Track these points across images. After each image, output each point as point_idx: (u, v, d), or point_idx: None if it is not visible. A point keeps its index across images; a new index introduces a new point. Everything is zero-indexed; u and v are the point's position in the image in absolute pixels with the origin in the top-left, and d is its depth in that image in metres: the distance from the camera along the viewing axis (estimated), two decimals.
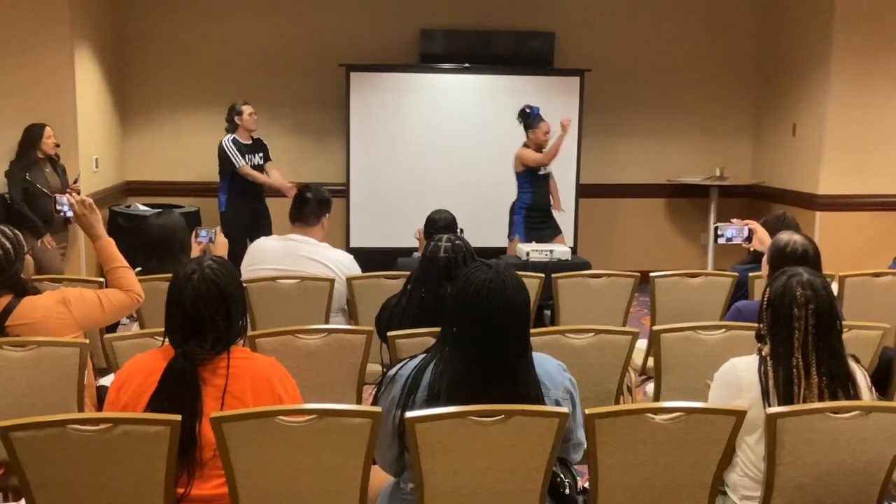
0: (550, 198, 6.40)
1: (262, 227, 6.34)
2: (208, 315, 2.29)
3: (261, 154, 6.63)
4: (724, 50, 7.84)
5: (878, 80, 6.88)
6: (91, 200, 3.23)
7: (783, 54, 7.53)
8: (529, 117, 6.24)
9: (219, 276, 2.33)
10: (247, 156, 6.49)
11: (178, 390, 2.24)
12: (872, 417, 2.34)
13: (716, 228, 4.34)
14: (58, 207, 3.56)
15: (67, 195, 3.34)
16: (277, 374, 2.37)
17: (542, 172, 6.28)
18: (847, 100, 6.88)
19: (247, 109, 6.51)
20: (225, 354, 2.31)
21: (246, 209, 6.55)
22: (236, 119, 6.50)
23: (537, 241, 6.00)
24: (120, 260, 3.15)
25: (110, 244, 3.18)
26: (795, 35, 7.35)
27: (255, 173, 6.46)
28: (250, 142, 6.57)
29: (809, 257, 3.24)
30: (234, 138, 6.49)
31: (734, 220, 4.42)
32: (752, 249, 4.10)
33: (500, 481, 2.22)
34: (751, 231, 3.91)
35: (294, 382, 2.42)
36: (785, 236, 3.32)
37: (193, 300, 2.29)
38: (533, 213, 6.32)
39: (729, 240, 4.01)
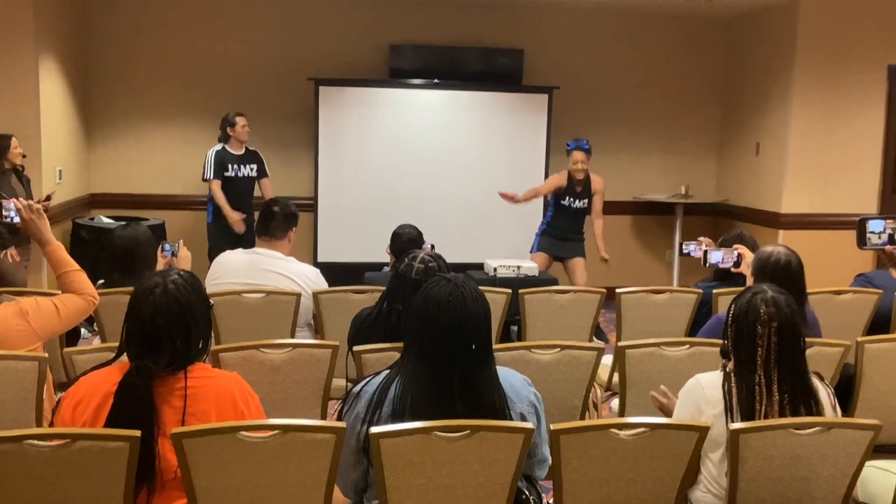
0: (579, 227, 6.47)
1: (246, 242, 6.27)
2: (166, 331, 2.23)
3: (252, 166, 6.62)
4: (690, 70, 7.95)
5: (840, 102, 7.01)
6: (39, 206, 3.17)
7: (747, 75, 7.64)
8: (568, 147, 6.42)
9: (182, 292, 2.27)
10: (232, 166, 6.47)
11: (132, 406, 2.18)
12: (833, 433, 2.36)
13: (681, 245, 4.41)
14: (4, 213, 3.47)
15: (14, 200, 3.26)
16: (240, 390, 2.33)
17: (564, 203, 6.34)
18: (809, 120, 7.00)
19: (240, 121, 6.51)
20: (181, 374, 2.24)
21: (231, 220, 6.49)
22: (228, 130, 6.51)
23: (555, 252, 6.24)
24: (71, 264, 3.09)
25: (60, 248, 3.11)
26: (759, 56, 7.46)
27: (219, 195, 6.42)
28: (241, 152, 6.56)
29: (793, 267, 3.29)
30: (223, 148, 6.49)
31: (701, 238, 4.47)
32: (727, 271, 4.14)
33: (465, 497, 2.21)
34: (739, 256, 3.96)
35: (257, 398, 2.38)
36: (768, 248, 3.39)
37: (152, 315, 2.23)
38: (551, 231, 6.43)
39: (713, 264, 4.06)
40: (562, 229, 6.40)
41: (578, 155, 6.25)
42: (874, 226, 4.26)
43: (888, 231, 4.26)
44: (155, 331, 2.23)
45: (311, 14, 7.40)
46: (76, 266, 3.10)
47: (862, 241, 4.29)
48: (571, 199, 6.35)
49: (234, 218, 6.43)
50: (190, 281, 2.33)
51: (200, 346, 2.34)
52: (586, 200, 6.37)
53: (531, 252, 6.47)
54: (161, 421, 2.20)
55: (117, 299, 3.68)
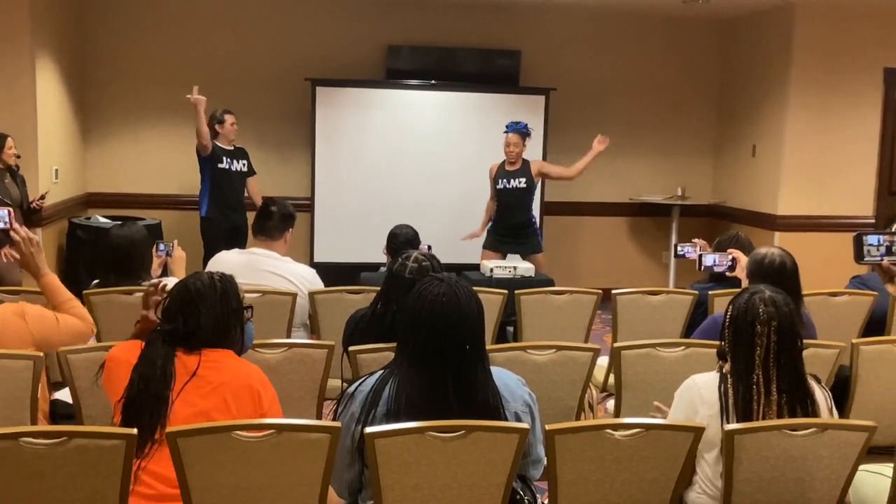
0: (524, 214, 6.29)
1: (239, 241, 6.25)
2: (179, 311, 2.49)
3: (244, 161, 6.57)
4: (686, 72, 7.96)
5: (836, 104, 7.02)
6: (38, 238, 3.20)
7: (743, 77, 7.65)
8: (506, 129, 6.29)
9: (198, 286, 2.52)
10: (225, 159, 6.43)
11: (153, 358, 2.39)
12: (828, 435, 2.36)
13: (676, 247, 4.42)
14: None
15: (17, 228, 3.24)
16: (259, 376, 2.49)
17: (500, 187, 6.22)
18: (805, 122, 7.01)
19: (229, 119, 6.46)
20: (199, 353, 2.44)
21: (226, 219, 6.46)
22: (217, 127, 6.43)
23: (505, 249, 6.03)
24: (66, 293, 3.17)
25: (54, 278, 3.20)
26: (755, 58, 7.48)
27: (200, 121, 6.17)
28: (231, 148, 6.52)
29: (787, 268, 3.30)
30: (213, 142, 6.43)
31: (695, 240, 4.48)
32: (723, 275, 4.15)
33: (460, 498, 2.21)
34: (734, 259, 3.96)
35: (275, 392, 2.50)
36: (763, 249, 3.41)
37: (175, 296, 2.53)
38: (497, 229, 6.32)
39: (708, 267, 4.07)
40: (506, 219, 6.24)
41: (509, 137, 6.15)
42: (871, 240, 4.27)
43: (885, 244, 4.26)
44: (177, 310, 2.50)
45: (308, 14, 7.40)
46: (70, 295, 3.18)
47: (860, 256, 4.28)
48: (505, 181, 6.19)
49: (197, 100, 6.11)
50: (221, 278, 2.57)
51: (217, 333, 2.50)
52: (523, 180, 6.18)
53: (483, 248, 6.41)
54: (177, 380, 2.37)
55: (113, 299, 3.68)
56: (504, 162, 6.24)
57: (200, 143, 6.27)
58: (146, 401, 2.32)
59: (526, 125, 6.23)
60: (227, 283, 2.59)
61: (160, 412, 2.32)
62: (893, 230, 4.69)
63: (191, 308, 2.48)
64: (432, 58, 7.43)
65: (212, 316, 2.49)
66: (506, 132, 6.23)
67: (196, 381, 2.38)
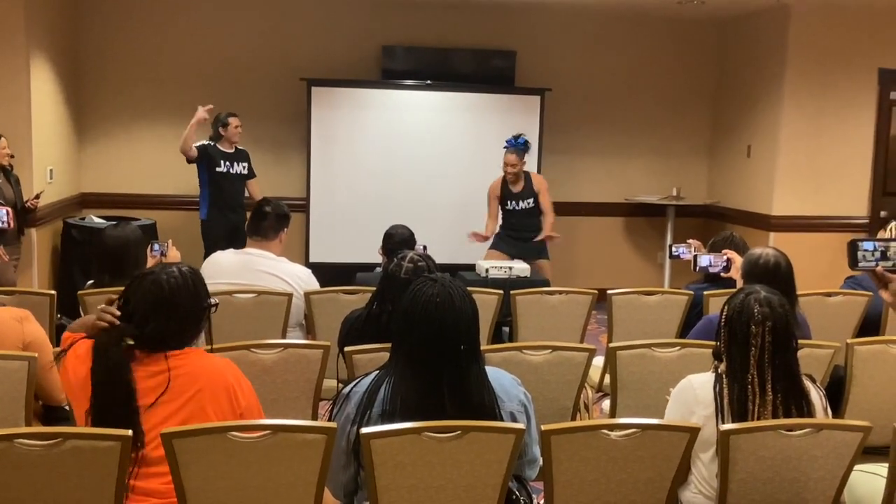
0: (532, 225, 6.27)
1: (239, 242, 6.25)
2: (151, 313, 2.33)
3: (244, 164, 6.60)
4: (681, 72, 7.97)
5: (831, 105, 7.03)
6: None
7: (738, 77, 7.66)
8: (505, 146, 6.30)
9: (172, 283, 2.36)
10: (224, 162, 6.45)
11: (107, 370, 2.24)
12: (823, 435, 2.37)
13: (670, 247, 4.42)
14: None
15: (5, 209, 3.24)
16: (233, 372, 2.40)
17: (508, 207, 6.25)
18: (800, 123, 7.02)
19: (233, 122, 6.49)
20: (163, 356, 2.31)
21: (226, 220, 6.48)
22: (220, 130, 6.48)
23: (512, 252, 6.03)
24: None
25: None
26: (750, 58, 7.49)
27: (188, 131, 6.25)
28: (232, 151, 6.54)
29: (781, 269, 3.31)
30: (213, 145, 6.46)
31: (690, 241, 4.48)
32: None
33: (456, 498, 2.21)
34: (729, 260, 3.96)
35: (249, 384, 2.43)
36: (757, 250, 3.41)
37: (142, 294, 2.36)
38: (505, 232, 6.34)
39: (703, 268, 4.06)
40: (513, 228, 6.27)
41: (508, 157, 6.14)
42: (867, 245, 4.26)
43: (880, 249, 4.25)
44: (139, 310, 2.34)
45: (304, 14, 7.39)
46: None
47: (854, 262, 4.27)
48: (513, 203, 6.21)
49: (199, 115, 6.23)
50: (188, 275, 2.41)
51: (186, 332, 2.39)
52: (531, 200, 6.20)
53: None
54: (142, 394, 2.24)
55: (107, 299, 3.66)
56: (505, 181, 6.22)
57: (182, 149, 6.30)
58: (116, 422, 2.18)
59: (525, 141, 6.25)
60: (196, 276, 2.44)
61: (134, 432, 2.18)
62: (888, 230, 4.68)
63: (165, 308, 2.32)
64: (428, 58, 7.43)
65: (187, 314, 2.38)
66: (505, 148, 6.24)
67: (168, 394, 2.25)
